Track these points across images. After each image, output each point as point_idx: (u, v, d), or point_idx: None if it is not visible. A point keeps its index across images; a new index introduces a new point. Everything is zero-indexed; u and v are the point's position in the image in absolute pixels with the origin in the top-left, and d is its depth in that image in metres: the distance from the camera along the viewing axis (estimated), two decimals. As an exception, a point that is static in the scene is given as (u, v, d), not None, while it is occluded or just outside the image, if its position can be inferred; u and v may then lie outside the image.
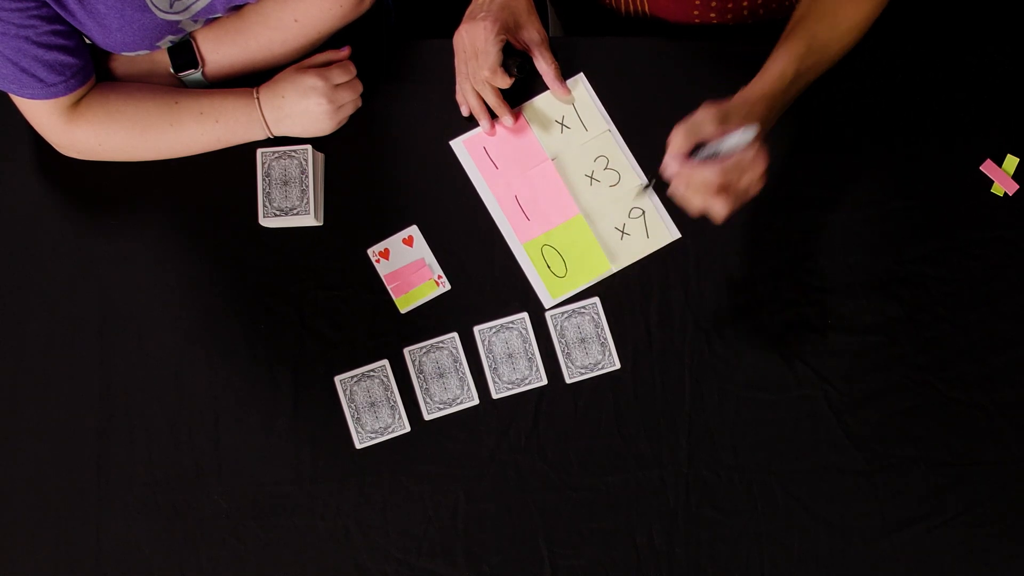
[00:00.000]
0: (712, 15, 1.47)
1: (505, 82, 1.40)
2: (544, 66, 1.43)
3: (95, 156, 1.43)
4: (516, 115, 1.44)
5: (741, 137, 1.17)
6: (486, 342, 1.41)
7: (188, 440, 1.40)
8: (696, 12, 1.47)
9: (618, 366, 1.40)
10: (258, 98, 1.41)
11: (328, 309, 1.42)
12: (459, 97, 1.45)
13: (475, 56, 1.39)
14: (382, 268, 1.43)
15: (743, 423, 1.38)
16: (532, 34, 1.42)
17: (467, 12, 1.42)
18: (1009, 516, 1.36)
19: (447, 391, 1.40)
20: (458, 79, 1.44)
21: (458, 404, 1.40)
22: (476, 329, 1.41)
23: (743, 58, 1.42)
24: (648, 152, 1.43)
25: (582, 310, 1.41)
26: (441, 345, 1.41)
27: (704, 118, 1.19)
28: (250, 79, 1.43)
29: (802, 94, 1.31)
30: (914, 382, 1.38)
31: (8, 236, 1.46)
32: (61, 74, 1.33)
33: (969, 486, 1.36)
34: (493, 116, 1.44)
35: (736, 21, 1.49)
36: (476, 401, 1.40)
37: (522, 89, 1.45)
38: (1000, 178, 1.41)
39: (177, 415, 1.41)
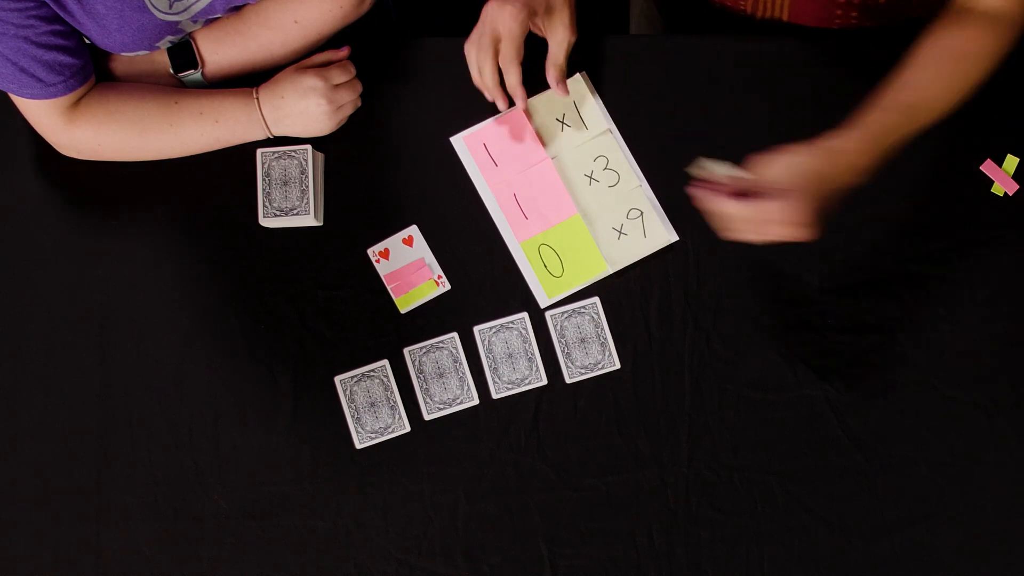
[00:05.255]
0: (853, 16, 1.45)
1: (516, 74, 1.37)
2: (549, 64, 1.40)
3: (95, 156, 1.43)
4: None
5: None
6: (486, 342, 1.41)
7: (188, 440, 1.40)
8: (839, 13, 1.45)
9: (618, 366, 1.40)
10: (257, 98, 1.41)
11: (328, 309, 1.42)
12: (472, 71, 1.41)
13: (495, 36, 1.36)
14: (382, 268, 1.43)
15: (743, 423, 1.38)
16: (557, 28, 1.38)
17: None
18: (1009, 516, 1.36)
19: (447, 391, 1.40)
20: (468, 49, 1.40)
21: (458, 404, 1.40)
22: (476, 329, 1.41)
23: (753, 57, 1.42)
24: (648, 153, 1.43)
25: (582, 310, 1.41)
26: (441, 345, 1.41)
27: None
28: (250, 79, 1.43)
29: (803, 93, 1.31)
30: (914, 382, 1.38)
31: (8, 236, 1.46)
32: (60, 74, 1.33)
33: (969, 486, 1.36)
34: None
35: (875, 23, 1.45)
36: (476, 401, 1.40)
37: (525, 85, 1.45)
38: (1000, 178, 1.41)
39: (177, 415, 1.41)
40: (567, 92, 1.43)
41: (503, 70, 1.39)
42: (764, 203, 1.17)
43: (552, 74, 1.41)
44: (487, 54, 1.37)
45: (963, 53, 1.28)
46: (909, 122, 1.25)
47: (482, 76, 1.39)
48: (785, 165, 1.20)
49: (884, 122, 1.24)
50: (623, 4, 1.85)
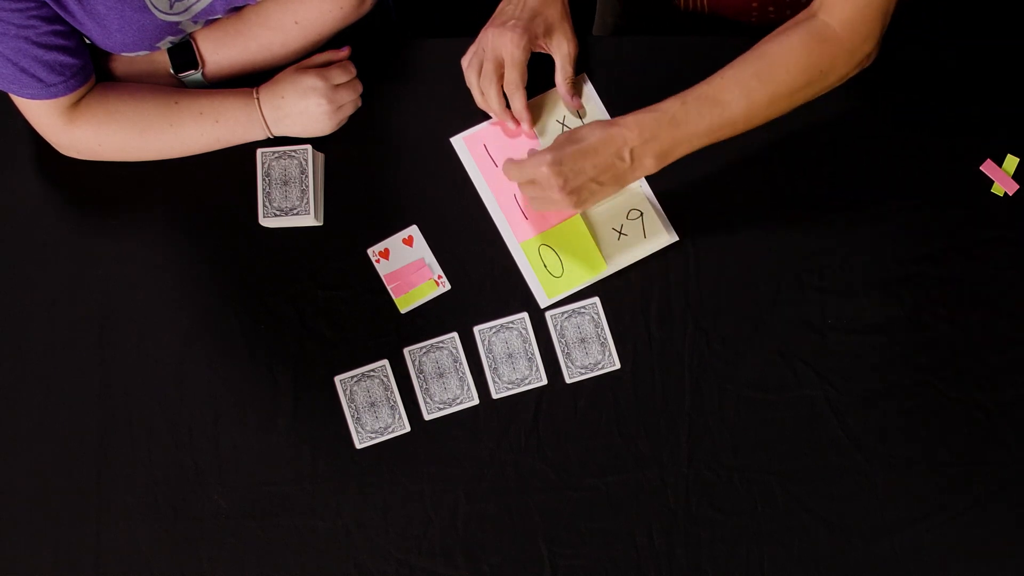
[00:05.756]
0: (771, 10, 1.45)
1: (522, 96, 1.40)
2: (560, 79, 1.42)
3: (95, 156, 1.43)
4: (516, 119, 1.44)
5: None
6: (486, 342, 1.41)
7: (188, 440, 1.40)
8: (755, 6, 1.46)
9: (618, 366, 1.40)
10: (258, 98, 1.41)
11: (328, 309, 1.42)
12: (475, 94, 1.43)
13: (497, 62, 1.38)
14: (382, 268, 1.43)
15: (743, 423, 1.38)
16: (560, 43, 1.41)
17: (497, 11, 1.40)
18: (1009, 516, 1.36)
19: (447, 391, 1.40)
20: (469, 75, 1.42)
21: (458, 404, 1.40)
22: (476, 329, 1.41)
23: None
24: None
25: (582, 310, 1.41)
26: (441, 345, 1.41)
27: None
28: (250, 79, 1.43)
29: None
30: (914, 382, 1.38)
31: (8, 236, 1.46)
32: (61, 74, 1.33)
33: (969, 486, 1.36)
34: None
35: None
36: (476, 401, 1.40)
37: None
38: (1000, 178, 1.41)
39: (177, 415, 1.41)
40: (582, 105, 1.43)
41: (508, 95, 1.40)
42: (523, 161, 1.31)
43: (565, 89, 1.42)
44: (490, 80, 1.39)
45: (776, 59, 1.27)
46: (707, 115, 1.27)
47: (488, 101, 1.41)
48: (566, 133, 1.30)
49: (675, 110, 1.27)
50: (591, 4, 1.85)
